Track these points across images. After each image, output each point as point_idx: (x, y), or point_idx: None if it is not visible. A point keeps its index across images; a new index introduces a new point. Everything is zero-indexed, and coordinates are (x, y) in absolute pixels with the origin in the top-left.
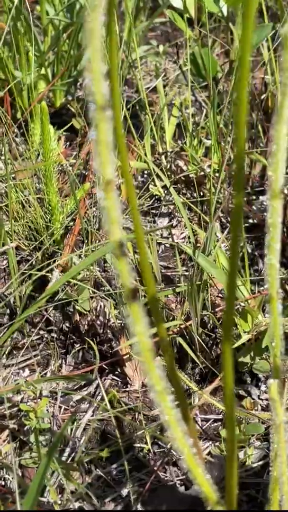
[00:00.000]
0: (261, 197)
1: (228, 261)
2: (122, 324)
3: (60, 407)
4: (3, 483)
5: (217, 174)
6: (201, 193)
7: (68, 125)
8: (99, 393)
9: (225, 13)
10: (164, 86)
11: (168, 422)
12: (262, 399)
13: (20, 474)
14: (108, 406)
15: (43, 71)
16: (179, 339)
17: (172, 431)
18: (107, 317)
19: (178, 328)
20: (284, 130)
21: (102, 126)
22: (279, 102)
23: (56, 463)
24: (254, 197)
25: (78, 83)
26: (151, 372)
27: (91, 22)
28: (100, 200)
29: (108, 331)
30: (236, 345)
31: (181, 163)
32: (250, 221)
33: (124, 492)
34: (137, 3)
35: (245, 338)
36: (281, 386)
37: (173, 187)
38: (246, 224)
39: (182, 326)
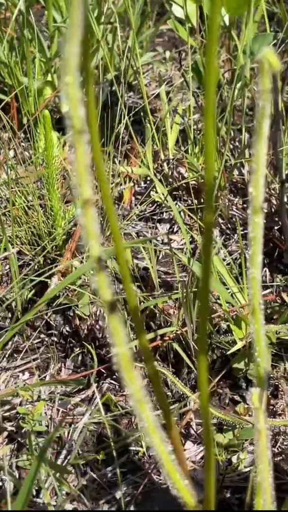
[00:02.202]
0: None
1: (202, 274)
2: None
3: (57, 410)
4: (0, 484)
5: (217, 181)
6: (201, 200)
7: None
8: (96, 397)
9: (227, 22)
10: (169, 93)
11: (147, 429)
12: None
13: (17, 476)
14: (102, 412)
15: (49, 77)
16: (175, 345)
17: (150, 438)
18: (106, 322)
19: (174, 334)
20: (263, 149)
21: (79, 148)
22: (258, 122)
23: (47, 467)
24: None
25: (84, 89)
26: (130, 381)
27: (67, 54)
28: (79, 217)
29: (107, 335)
30: (230, 351)
31: (182, 170)
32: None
33: (118, 494)
34: (143, 10)
35: (239, 344)
36: (263, 395)
37: (174, 194)
38: (245, 231)
39: (178, 332)
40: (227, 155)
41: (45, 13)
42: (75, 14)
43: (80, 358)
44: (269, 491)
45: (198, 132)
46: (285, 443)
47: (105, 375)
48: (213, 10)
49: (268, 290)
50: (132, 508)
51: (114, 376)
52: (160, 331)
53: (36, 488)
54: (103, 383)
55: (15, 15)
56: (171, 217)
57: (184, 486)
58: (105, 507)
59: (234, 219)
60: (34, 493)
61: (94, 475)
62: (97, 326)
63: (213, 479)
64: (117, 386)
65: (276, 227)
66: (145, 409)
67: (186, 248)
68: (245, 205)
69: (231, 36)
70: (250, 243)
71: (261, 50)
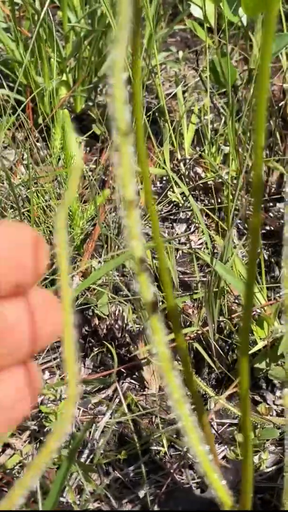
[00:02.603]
0: (278, 204)
1: (246, 269)
2: (140, 329)
3: (79, 409)
4: None
5: (235, 181)
6: (219, 200)
7: (90, 132)
8: (117, 396)
9: (245, 23)
10: (184, 92)
11: (185, 428)
12: (277, 405)
13: (42, 476)
14: (126, 410)
15: (64, 77)
16: (196, 345)
17: (189, 438)
18: (125, 322)
19: (195, 334)
20: None
21: (124, 150)
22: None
23: (76, 465)
24: (271, 204)
25: (99, 89)
26: (169, 381)
27: (114, 54)
28: (123, 219)
29: (126, 335)
30: (252, 351)
31: (199, 170)
32: (267, 228)
33: (141, 493)
34: (157, 10)
35: (261, 344)
36: None
37: (192, 194)
38: (263, 231)
39: (199, 332)
40: (244, 156)
41: (58, 13)
42: (123, 16)
43: (99, 357)
44: None
45: (214, 132)
46: None
47: (125, 374)
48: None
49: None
50: (155, 507)
51: (134, 376)
52: (182, 331)
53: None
54: (123, 382)
55: (31, 14)
56: (187, 217)
57: (222, 486)
58: (129, 507)
59: (251, 219)
60: None
61: (118, 474)
62: (116, 326)
63: (251, 478)
64: (137, 386)
65: None
66: (183, 408)
67: (207, 248)
68: (262, 205)
69: (247, 35)
70: (285, 242)
71: (278, 49)
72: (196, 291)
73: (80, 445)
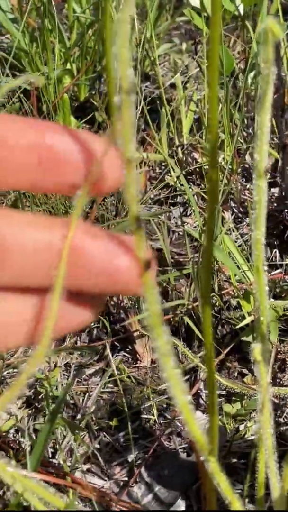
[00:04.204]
0: (272, 189)
1: (206, 228)
2: (134, 304)
3: (73, 379)
4: (18, 446)
5: (230, 166)
6: None
7: (89, 116)
8: (110, 368)
9: (242, 12)
10: (186, 83)
11: (170, 382)
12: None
13: (35, 437)
14: (118, 381)
15: (68, 66)
16: (186, 319)
17: (172, 386)
18: (120, 298)
19: (186, 309)
20: (267, 116)
21: (126, 108)
22: (263, 91)
23: (63, 426)
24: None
25: (102, 78)
26: (157, 336)
27: (121, 14)
28: (122, 177)
29: (121, 311)
30: (239, 325)
31: (196, 155)
32: None
33: (130, 457)
34: (160, 2)
35: (248, 319)
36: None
37: (188, 178)
38: None
39: (189, 307)
40: (240, 141)
41: (65, 6)
42: None
43: (95, 332)
44: (270, 440)
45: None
46: None
47: (118, 348)
48: None
49: (278, 270)
50: (143, 470)
51: (127, 349)
52: (173, 303)
53: (52, 450)
54: (116, 355)
55: (36, 5)
56: (184, 201)
57: (201, 435)
58: (118, 469)
59: (246, 203)
60: (51, 454)
61: (108, 439)
62: (112, 302)
63: (217, 424)
64: (130, 359)
65: (286, 210)
66: (169, 361)
67: (199, 228)
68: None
69: (245, 26)
70: (254, 206)
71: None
72: (188, 267)
73: (73, 411)
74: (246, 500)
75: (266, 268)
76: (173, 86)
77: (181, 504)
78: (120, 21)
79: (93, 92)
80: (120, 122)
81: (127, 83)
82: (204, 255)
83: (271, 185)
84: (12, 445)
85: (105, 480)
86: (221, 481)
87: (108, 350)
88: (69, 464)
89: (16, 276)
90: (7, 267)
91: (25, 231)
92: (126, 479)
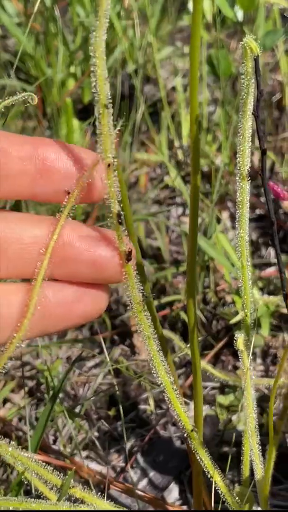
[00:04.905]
0: None
1: (189, 228)
2: None
3: (74, 371)
4: (20, 433)
5: (227, 168)
6: (211, 185)
7: (91, 118)
8: (108, 360)
9: (240, 18)
10: (187, 86)
11: (154, 361)
12: (257, 370)
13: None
14: (116, 373)
15: (72, 70)
16: (183, 314)
17: (157, 369)
18: (119, 295)
19: (182, 305)
20: (248, 123)
21: (104, 120)
22: (244, 101)
23: (63, 412)
24: (262, 190)
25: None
26: (140, 321)
27: (96, 38)
28: (103, 179)
29: (121, 307)
30: (233, 321)
31: None
32: (257, 211)
33: (127, 445)
34: (163, 6)
35: (240, 314)
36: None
37: (187, 179)
38: (254, 216)
39: (185, 303)
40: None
41: (69, 10)
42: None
43: (96, 326)
44: (253, 425)
45: (212, 124)
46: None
47: (117, 342)
48: None
49: (272, 268)
50: (139, 456)
51: (126, 343)
52: (169, 298)
53: (53, 438)
54: (115, 348)
55: (40, 10)
56: (183, 201)
57: (183, 412)
58: (115, 455)
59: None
60: (52, 441)
61: (106, 427)
62: (112, 298)
63: (201, 398)
64: (128, 352)
65: (280, 210)
66: (152, 345)
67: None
68: (254, 191)
69: (242, 31)
70: (238, 206)
71: (271, 44)
72: (184, 263)
73: (73, 401)
74: (236, 484)
75: (249, 265)
76: (174, 89)
77: (174, 488)
78: (96, 40)
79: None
80: (100, 133)
81: (105, 96)
82: (189, 248)
83: None
84: (14, 432)
85: (103, 466)
86: (203, 456)
87: (103, 344)
88: (68, 450)
89: (9, 268)
90: (1, 260)
91: (18, 227)
92: (123, 464)
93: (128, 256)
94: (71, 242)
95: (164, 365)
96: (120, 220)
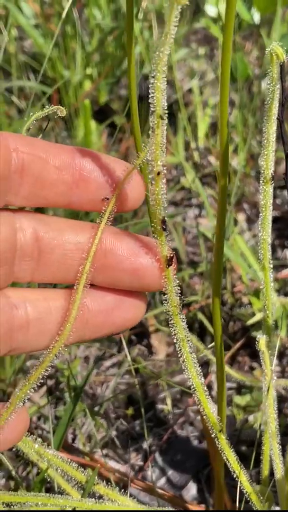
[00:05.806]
0: (285, 192)
1: (216, 227)
2: (150, 300)
3: (92, 369)
4: (40, 432)
5: (243, 169)
6: (229, 187)
7: (109, 120)
8: (127, 359)
9: (257, 21)
10: (202, 88)
11: (186, 363)
12: (273, 371)
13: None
14: (134, 373)
15: (89, 71)
16: (200, 315)
17: (189, 371)
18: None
19: (199, 306)
20: (273, 127)
21: (158, 130)
22: (269, 106)
23: (84, 410)
24: (278, 192)
25: (121, 83)
26: (176, 323)
27: (160, 52)
28: (150, 186)
29: None
30: (250, 322)
31: (211, 159)
32: (274, 213)
33: (146, 444)
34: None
35: (258, 315)
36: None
37: (204, 181)
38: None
39: (203, 304)
40: (253, 145)
41: (84, 11)
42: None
43: None
44: (274, 425)
45: (228, 126)
46: None
47: (135, 342)
48: None
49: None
50: (157, 455)
51: (143, 343)
52: (186, 299)
53: (72, 436)
54: (133, 348)
55: (58, 12)
56: (199, 203)
57: (212, 413)
58: (133, 454)
59: (258, 205)
60: (71, 440)
61: (125, 427)
62: None
63: (225, 400)
64: (145, 352)
65: None
66: (185, 346)
67: (212, 229)
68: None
69: (259, 33)
70: (261, 209)
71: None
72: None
73: (91, 400)
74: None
75: (271, 266)
76: (190, 90)
77: (192, 487)
78: (159, 55)
79: (112, 97)
80: (152, 142)
81: (160, 108)
82: (216, 255)
83: (283, 188)
84: (35, 430)
85: (122, 464)
86: (229, 456)
87: (124, 343)
88: (88, 449)
89: (51, 273)
90: (41, 265)
91: (61, 233)
92: (142, 463)
93: (169, 262)
94: (112, 249)
95: (196, 367)
96: (164, 226)
